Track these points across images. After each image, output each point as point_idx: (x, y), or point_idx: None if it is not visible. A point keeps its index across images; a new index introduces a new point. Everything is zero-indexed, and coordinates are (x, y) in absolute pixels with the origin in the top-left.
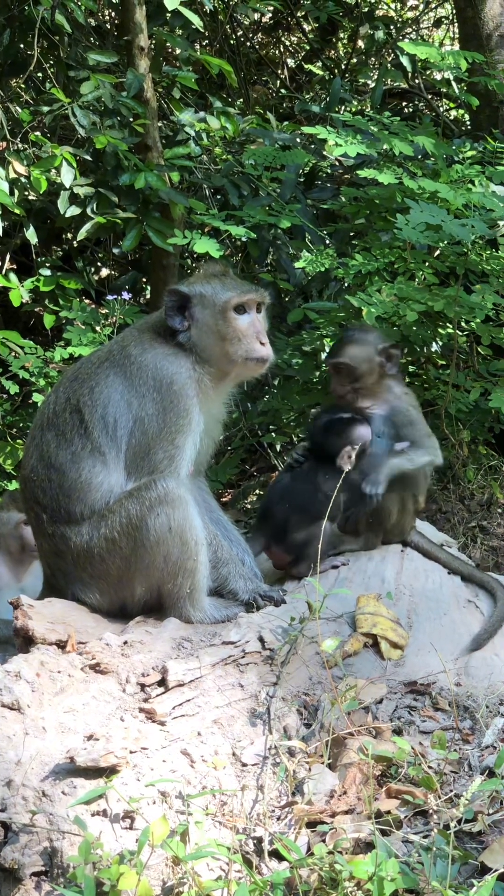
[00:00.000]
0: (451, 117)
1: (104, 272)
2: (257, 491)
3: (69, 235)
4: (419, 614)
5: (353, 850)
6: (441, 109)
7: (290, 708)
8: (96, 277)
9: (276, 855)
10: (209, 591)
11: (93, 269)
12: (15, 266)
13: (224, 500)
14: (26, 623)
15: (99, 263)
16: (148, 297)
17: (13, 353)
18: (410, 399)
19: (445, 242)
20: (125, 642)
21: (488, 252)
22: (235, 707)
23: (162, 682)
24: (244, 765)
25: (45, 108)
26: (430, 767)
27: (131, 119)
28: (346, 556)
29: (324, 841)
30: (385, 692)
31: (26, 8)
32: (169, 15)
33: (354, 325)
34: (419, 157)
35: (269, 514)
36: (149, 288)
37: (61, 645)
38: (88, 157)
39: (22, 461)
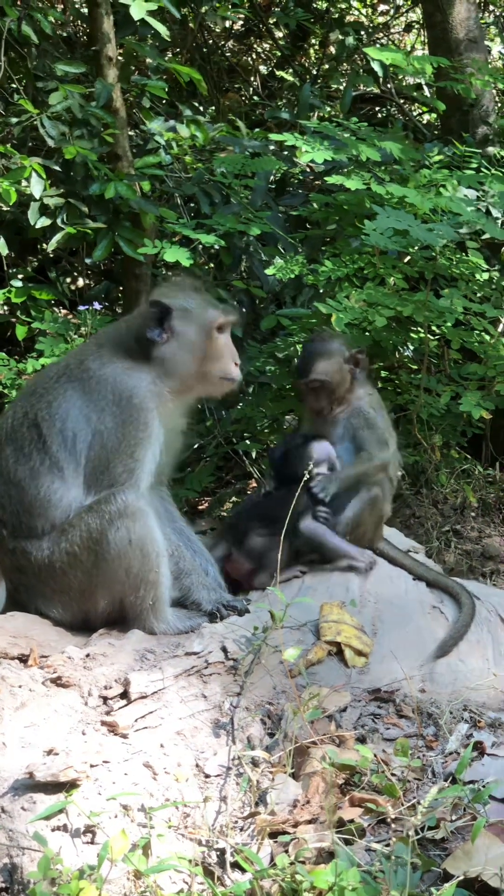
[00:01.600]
0: (424, 121)
1: (80, 282)
2: (233, 498)
3: (43, 246)
4: (384, 621)
5: (316, 860)
6: (413, 114)
7: (254, 718)
8: (73, 287)
9: (238, 866)
10: (172, 602)
11: (68, 279)
12: None
13: (200, 507)
14: None
15: (75, 273)
16: (121, 307)
17: None
18: (372, 400)
19: (415, 248)
20: (88, 655)
21: (458, 256)
22: (199, 718)
23: (124, 695)
24: (207, 776)
25: (14, 120)
26: (393, 775)
27: (101, 129)
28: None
29: (286, 851)
30: (349, 700)
31: None
32: (138, 24)
33: (315, 336)
34: (388, 162)
35: (234, 523)
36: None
37: (23, 659)
38: (58, 168)
39: None
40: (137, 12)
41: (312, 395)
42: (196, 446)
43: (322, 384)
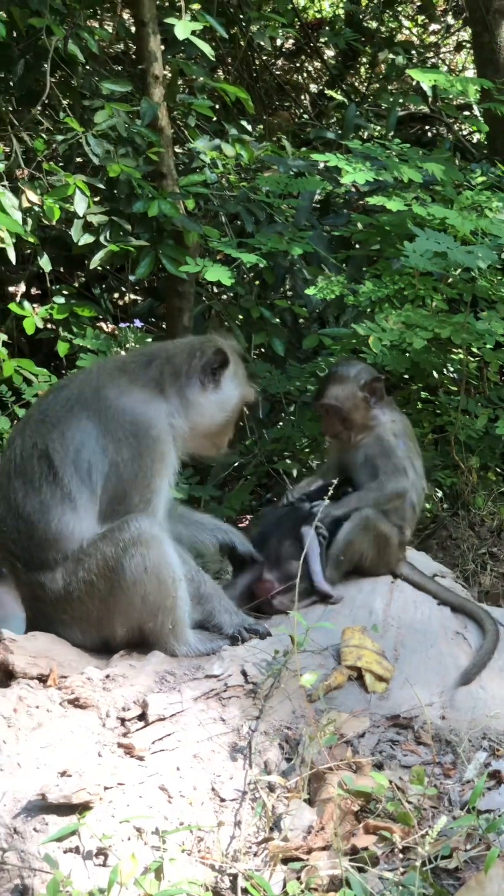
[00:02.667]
0: (474, 141)
1: (126, 298)
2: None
3: (87, 263)
4: (406, 646)
5: (328, 888)
6: (462, 134)
7: (272, 742)
8: (120, 303)
9: (250, 892)
10: (194, 624)
11: (116, 296)
12: (39, 292)
13: (241, 525)
14: (6, 657)
15: (123, 289)
16: (164, 324)
17: (26, 382)
18: (396, 427)
19: (458, 270)
20: (107, 676)
21: (498, 278)
22: (216, 741)
23: (142, 717)
24: (223, 800)
25: (60, 137)
26: (409, 802)
27: (146, 147)
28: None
29: (298, 878)
30: (367, 726)
31: (40, 38)
32: (185, 43)
33: (339, 361)
34: (431, 183)
35: (266, 542)
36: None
37: (42, 679)
38: (102, 186)
39: None
40: (182, 32)
41: (326, 419)
42: (236, 465)
43: (332, 408)
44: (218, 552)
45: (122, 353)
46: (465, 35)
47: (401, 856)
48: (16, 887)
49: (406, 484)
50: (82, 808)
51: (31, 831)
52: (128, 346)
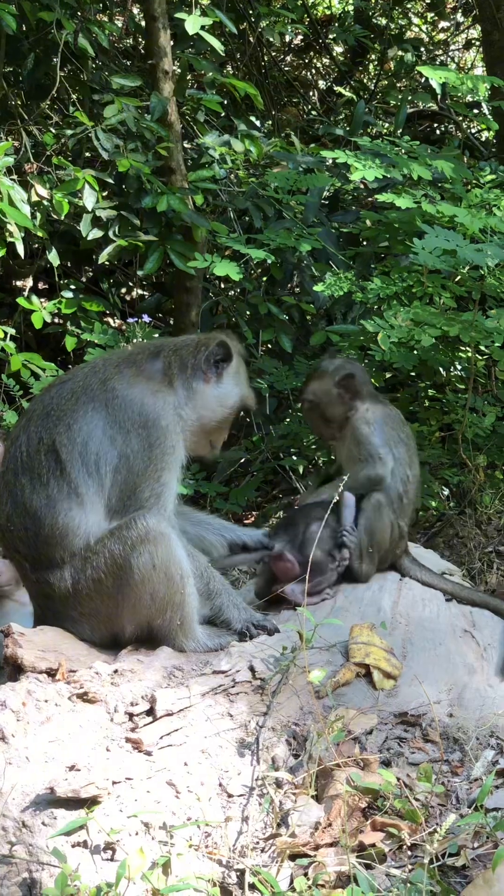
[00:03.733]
0: (483, 139)
1: (133, 293)
2: (279, 514)
3: (95, 257)
4: (414, 644)
5: (335, 884)
6: (471, 132)
7: (280, 738)
8: (128, 298)
9: (257, 888)
10: (203, 619)
11: (123, 290)
12: (46, 286)
13: (246, 522)
14: (16, 651)
15: (130, 284)
16: (172, 319)
17: (34, 376)
18: (369, 415)
19: (466, 268)
20: (116, 671)
21: None
22: (224, 737)
23: (150, 712)
24: (230, 796)
25: (69, 132)
26: (416, 800)
27: (155, 142)
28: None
29: (305, 874)
30: (375, 723)
31: (51, 32)
32: (195, 38)
33: (323, 358)
34: (440, 181)
35: (291, 526)
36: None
37: (51, 673)
38: (111, 180)
39: None
40: (192, 27)
41: (308, 415)
42: (242, 461)
43: (311, 404)
44: (227, 551)
45: (128, 347)
46: (475, 33)
47: (408, 853)
48: (24, 881)
49: (381, 470)
50: (90, 802)
51: (39, 825)
52: (134, 340)
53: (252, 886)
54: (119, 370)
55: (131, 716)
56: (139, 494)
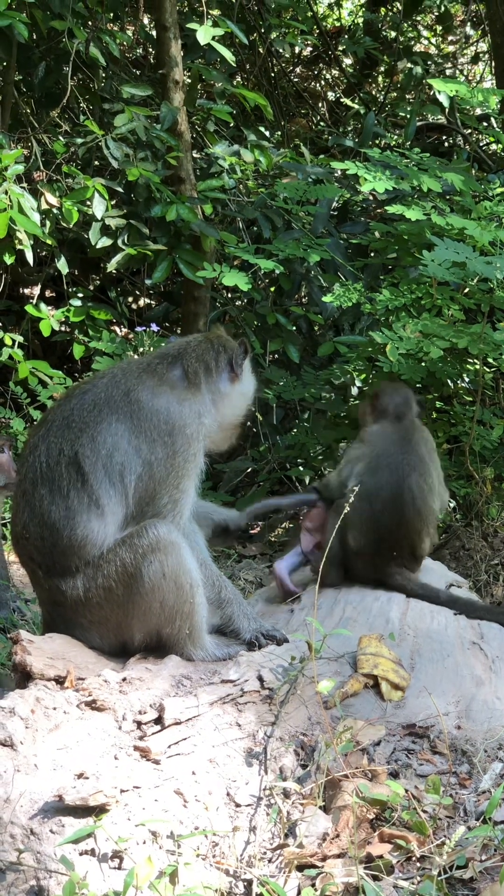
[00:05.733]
0: (491, 152)
1: (141, 302)
2: (284, 524)
3: (104, 266)
4: (422, 655)
5: (344, 895)
6: (480, 144)
7: (288, 748)
8: (134, 307)
9: None
10: (212, 629)
11: (130, 299)
12: (54, 295)
13: (252, 532)
14: (24, 658)
15: (138, 293)
16: (180, 328)
17: (41, 384)
18: (364, 434)
19: (474, 280)
20: (124, 679)
21: None
22: (232, 746)
23: (158, 720)
24: (238, 805)
25: (79, 140)
26: (424, 812)
27: (165, 152)
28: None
29: (313, 885)
30: (384, 734)
31: (62, 41)
32: (205, 49)
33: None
34: (449, 193)
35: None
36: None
37: (60, 681)
38: (121, 189)
39: (13, 515)
40: (203, 37)
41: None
42: (249, 471)
43: (368, 399)
44: (213, 535)
45: (135, 356)
46: (483, 46)
47: (416, 865)
48: (31, 888)
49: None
50: (99, 810)
51: (47, 833)
52: (141, 349)
53: None
54: (141, 380)
55: (139, 724)
56: (157, 501)
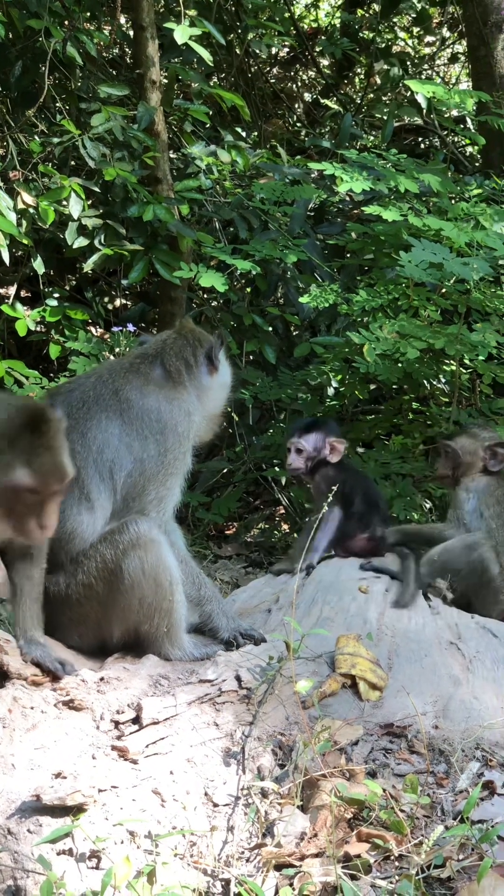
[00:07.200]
0: (467, 153)
1: (117, 302)
2: (260, 525)
3: (80, 266)
4: (400, 655)
5: (321, 894)
6: (455, 146)
7: (265, 748)
8: (110, 307)
9: None
10: (190, 628)
11: (105, 299)
12: (29, 294)
13: (227, 532)
14: (1, 658)
15: (114, 293)
16: (156, 329)
17: (17, 383)
18: (476, 485)
19: (451, 281)
20: (102, 679)
21: (492, 290)
22: (210, 746)
23: (136, 720)
24: (216, 805)
25: (56, 140)
26: (401, 811)
27: (142, 152)
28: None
29: (291, 885)
30: (361, 734)
31: (39, 40)
32: (182, 49)
33: (476, 423)
34: (426, 194)
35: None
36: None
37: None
38: (97, 189)
39: None
40: (181, 37)
41: (441, 459)
42: (225, 471)
43: (453, 452)
44: None
45: (111, 357)
46: (460, 48)
47: (394, 864)
48: (9, 888)
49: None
50: (76, 810)
51: (24, 832)
52: (118, 349)
53: None
54: (127, 380)
55: (117, 724)
56: (144, 497)
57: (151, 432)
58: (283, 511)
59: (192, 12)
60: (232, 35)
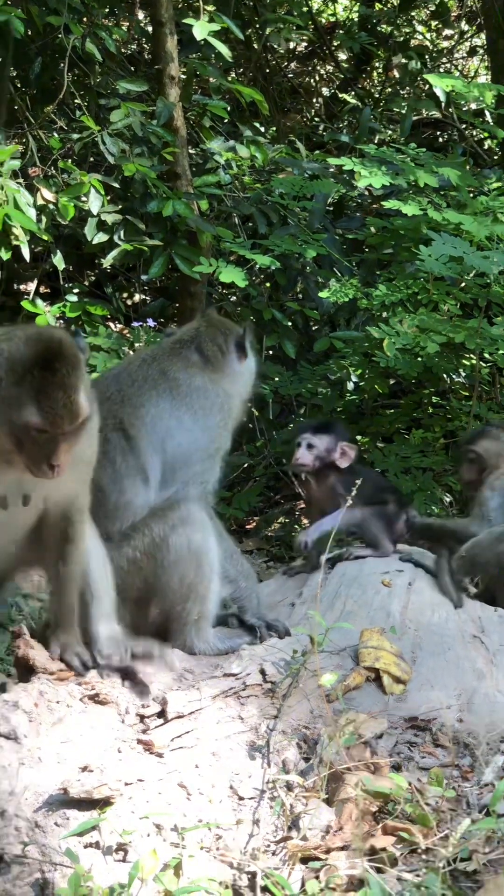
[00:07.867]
0: (486, 147)
1: (136, 298)
2: (281, 519)
3: (100, 261)
4: (423, 649)
5: (347, 888)
6: (474, 139)
7: (290, 741)
8: (130, 303)
9: (268, 891)
10: (215, 622)
11: (125, 295)
12: (49, 290)
13: (248, 527)
14: (27, 652)
15: (133, 289)
16: (176, 324)
17: None
18: (500, 483)
19: (470, 275)
20: (126, 672)
21: None
22: (235, 740)
23: (161, 714)
24: (241, 798)
25: (75, 136)
26: (427, 804)
27: (161, 147)
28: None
29: (317, 877)
30: (386, 727)
31: (58, 36)
32: (201, 44)
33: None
34: (445, 188)
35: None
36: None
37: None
38: (117, 185)
39: None
40: (200, 33)
41: (465, 463)
42: (245, 466)
43: (476, 455)
44: None
45: (131, 352)
46: (479, 41)
47: (418, 857)
48: (37, 881)
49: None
50: (103, 803)
51: (52, 825)
52: (137, 345)
53: (264, 889)
54: (172, 362)
55: (142, 717)
56: (190, 470)
57: (201, 408)
58: (303, 505)
59: (211, 8)
60: (250, 30)
